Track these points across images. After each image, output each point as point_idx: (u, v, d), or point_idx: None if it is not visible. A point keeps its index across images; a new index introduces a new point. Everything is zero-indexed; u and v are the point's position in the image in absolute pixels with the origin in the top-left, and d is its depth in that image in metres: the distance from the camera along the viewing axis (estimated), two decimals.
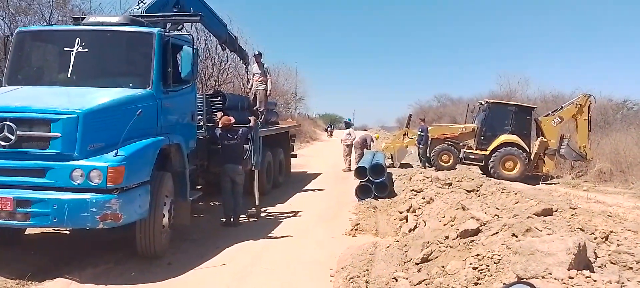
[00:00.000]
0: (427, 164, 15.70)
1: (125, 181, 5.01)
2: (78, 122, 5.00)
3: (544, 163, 15.91)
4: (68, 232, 6.69)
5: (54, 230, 6.53)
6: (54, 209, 4.81)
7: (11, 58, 6.28)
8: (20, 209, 4.85)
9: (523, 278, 3.10)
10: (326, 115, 65.57)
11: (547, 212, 5.37)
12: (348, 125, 17.72)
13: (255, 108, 10.57)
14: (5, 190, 4.90)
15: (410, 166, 15.93)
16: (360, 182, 10.02)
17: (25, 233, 6.39)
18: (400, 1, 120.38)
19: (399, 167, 14.96)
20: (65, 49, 6.03)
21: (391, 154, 16.34)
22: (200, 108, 8.04)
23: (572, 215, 5.56)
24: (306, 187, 12.34)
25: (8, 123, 4.94)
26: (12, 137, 4.93)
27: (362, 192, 9.87)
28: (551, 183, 14.91)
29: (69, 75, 6.00)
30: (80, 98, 5.37)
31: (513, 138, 15.54)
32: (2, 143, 4.94)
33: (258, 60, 10.88)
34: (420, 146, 16.06)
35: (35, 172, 4.95)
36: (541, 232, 4.21)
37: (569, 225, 4.95)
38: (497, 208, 6.16)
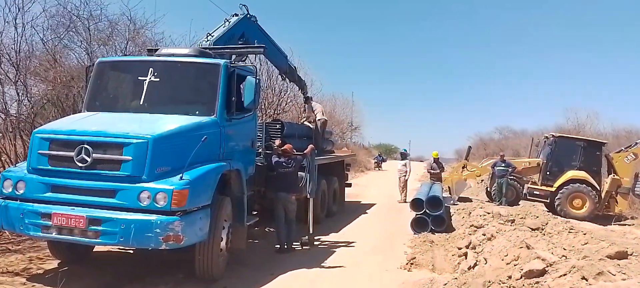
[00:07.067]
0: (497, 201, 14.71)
1: (188, 204, 5.22)
2: (148, 146, 5.30)
3: (617, 202, 14.85)
4: (132, 252, 7.03)
5: (118, 248, 6.88)
6: (122, 229, 5.08)
7: (91, 86, 6.76)
8: (92, 227, 5.16)
9: None
10: (381, 145, 64.83)
11: (622, 255, 4.98)
12: (404, 156, 17.38)
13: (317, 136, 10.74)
14: (79, 209, 5.24)
15: (470, 200, 15.39)
16: (416, 214, 9.80)
17: (93, 250, 6.78)
18: (459, 33, 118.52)
19: (457, 201, 14.48)
20: (139, 78, 6.44)
21: (449, 187, 15.89)
22: (259, 135, 8.27)
23: None
24: (360, 217, 12.22)
25: (85, 146, 5.33)
26: (88, 159, 5.31)
27: (418, 225, 9.64)
28: (624, 225, 13.83)
29: (141, 103, 6.38)
30: (150, 124, 5.70)
31: (582, 174, 14.68)
32: (80, 164, 5.32)
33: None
34: (500, 180, 14.73)
35: (107, 193, 5.27)
36: (615, 277, 3.93)
37: None
38: (564, 248, 5.81)
